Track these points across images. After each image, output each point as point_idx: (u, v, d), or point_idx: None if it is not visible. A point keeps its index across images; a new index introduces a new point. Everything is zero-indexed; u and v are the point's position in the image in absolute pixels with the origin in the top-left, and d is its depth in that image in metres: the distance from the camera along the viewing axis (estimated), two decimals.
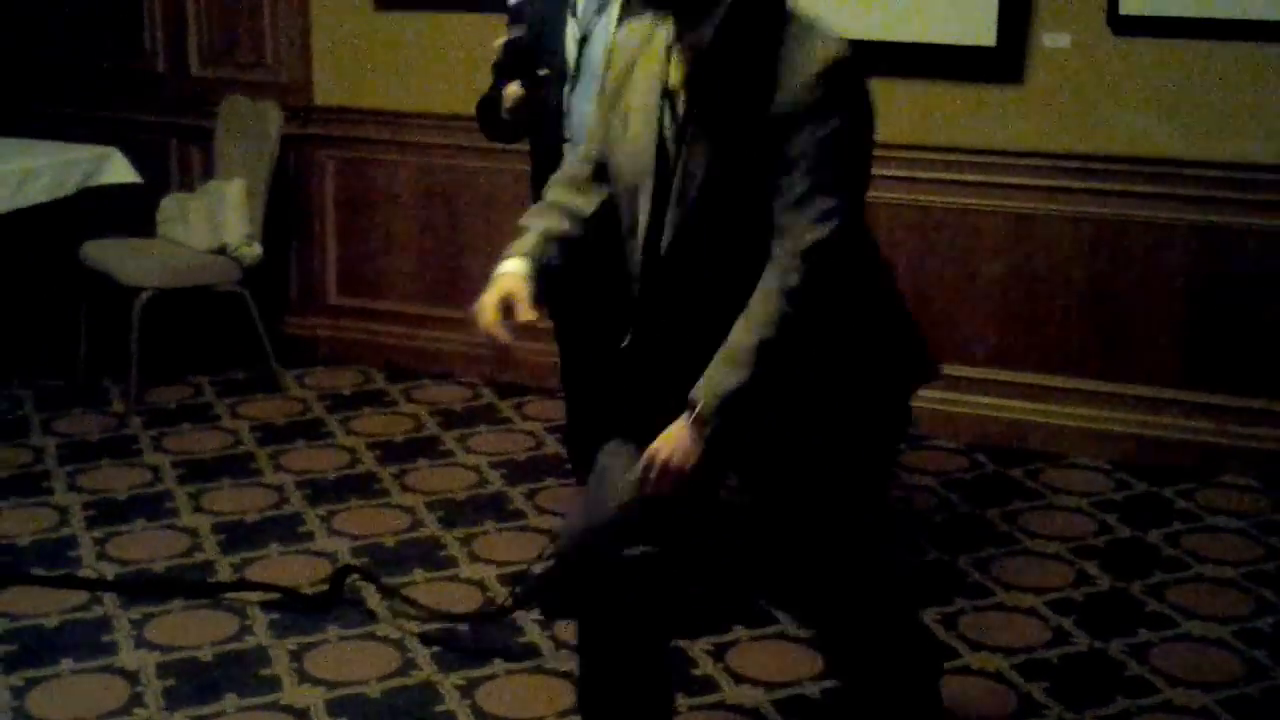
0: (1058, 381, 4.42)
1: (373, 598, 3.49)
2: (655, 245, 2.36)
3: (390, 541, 3.82)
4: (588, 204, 2.51)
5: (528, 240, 2.51)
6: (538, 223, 2.53)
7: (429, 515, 3.99)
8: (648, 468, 2.30)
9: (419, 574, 3.63)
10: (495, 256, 4.78)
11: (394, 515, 3.99)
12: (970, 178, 4.37)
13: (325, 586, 3.50)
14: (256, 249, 4.88)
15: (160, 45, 5.28)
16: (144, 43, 5.29)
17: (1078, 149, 4.27)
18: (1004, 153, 4.32)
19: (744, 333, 2.26)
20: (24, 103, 5.40)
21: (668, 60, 2.34)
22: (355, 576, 3.56)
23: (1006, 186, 4.34)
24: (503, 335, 2.40)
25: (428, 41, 4.92)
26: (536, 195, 3.26)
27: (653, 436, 2.32)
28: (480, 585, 3.58)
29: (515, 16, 3.27)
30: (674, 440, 2.28)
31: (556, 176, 2.61)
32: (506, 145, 3.72)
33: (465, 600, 3.50)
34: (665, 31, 2.35)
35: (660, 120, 2.34)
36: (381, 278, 5.21)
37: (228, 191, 4.84)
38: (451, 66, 4.88)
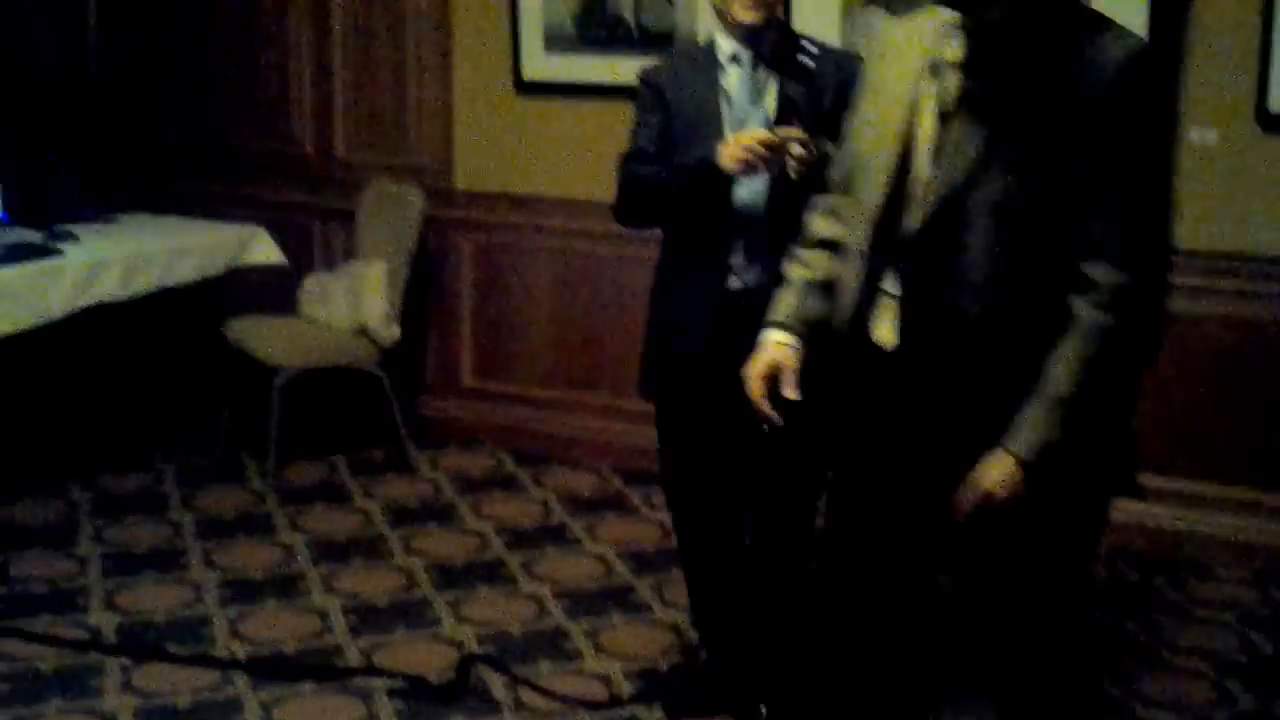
0: (1204, 488, 4.28)
1: (499, 689, 3.49)
2: (892, 228, 2.26)
3: (516, 630, 3.82)
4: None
5: (788, 300, 2.45)
6: (797, 272, 2.48)
7: (555, 605, 3.98)
8: (970, 498, 2.20)
9: (544, 665, 3.62)
10: (629, 343, 4.93)
11: (521, 604, 3.99)
12: None
13: (452, 675, 3.50)
14: (395, 330, 4.95)
15: (307, 128, 5.43)
16: (292, 126, 5.46)
17: (1227, 248, 4.16)
18: None
19: (1067, 379, 2.14)
20: (176, 182, 5.59)
21: (944, 36, 2.23)
22: (482, 665, 3.56)
23: None
24: (771, 413, 2.39)
25: (568, 128, 4.98)
26: (665, 287, 3.26)
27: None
28: (605, 679, 3.55)
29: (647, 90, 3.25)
30: (1002, 475, 2.18)
31: (814, 206, 2.56)
32: (640, 232, 3.69)
33: (590, 694, 3.47)
34: (942, 13, 2.24)
35: (917, 95, 2.25)
36: (515, 361, 5.26)
37: (369, 273, 4.92)
38: (590, 153, 4.92)
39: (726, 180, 2.98)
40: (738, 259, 3.06)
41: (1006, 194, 2.15)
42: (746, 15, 3.01)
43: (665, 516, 4.59)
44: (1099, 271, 2.14)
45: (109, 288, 4.48)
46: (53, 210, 4.86)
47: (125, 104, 5.50)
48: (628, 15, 4.78)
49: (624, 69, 4.76)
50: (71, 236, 4.62)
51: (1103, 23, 2.19)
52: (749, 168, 2.91)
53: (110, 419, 5.10)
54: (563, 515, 4.65)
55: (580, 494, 4.84)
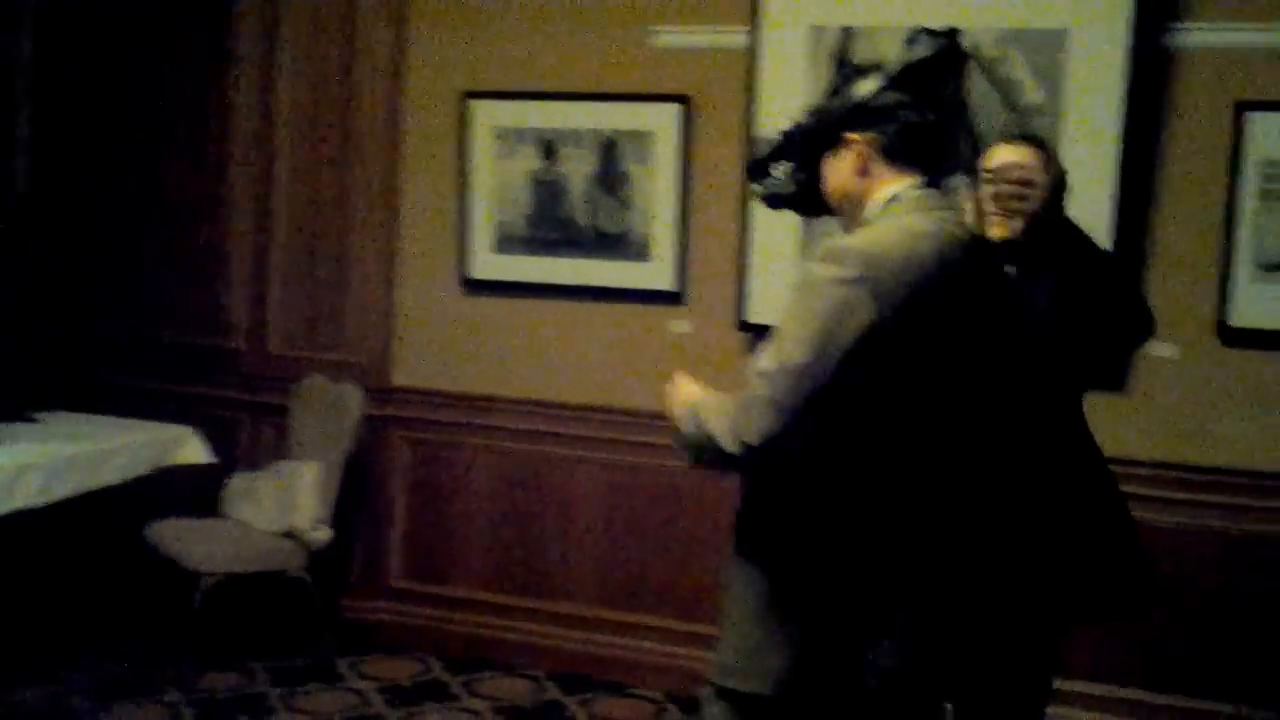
0: (1167, 700, 4.22)
1: None
2: None
3: None
4: None
5: None
6: None
7: None
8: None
9: None
10: (572, 547, 4.78)
11: None
12: None
13: None
14: (325, 533, 4.74)
15: (242, 322, 5.25)
16: (225, 320, 5.28)
17: (1186, 460, 4.17)
18: (1110, 460, 4.17)
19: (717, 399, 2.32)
20: (101, 376, 5.37)
21: None
22: None
23: None
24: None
25: (514, 327, 4.90)
26: None
27: None
28: None
29: None
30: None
31: None
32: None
33: None
34: None
35: None
36: (448, 562, 5.06)
37: (302, 473, 4.73)
38: (536, 353, 4.85)
39: None
40: None
41: None
42: (999, 231, 2.95)
43: None
44: None
45: (27, 495, 4.20)
46: None
47: (52, 296, 5.27)
48: (581, 218, 4.75)
49: (576, 270, 4.74)
50: None
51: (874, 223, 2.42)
52: None
53: (19, 625, 4.76)
54: None
55: (516, 703, 4.61)
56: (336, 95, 5.02)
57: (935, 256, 2.28)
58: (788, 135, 2.52)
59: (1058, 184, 3.08)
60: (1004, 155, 3.07)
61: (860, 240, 2.29)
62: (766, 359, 2.24)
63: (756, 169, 2.59)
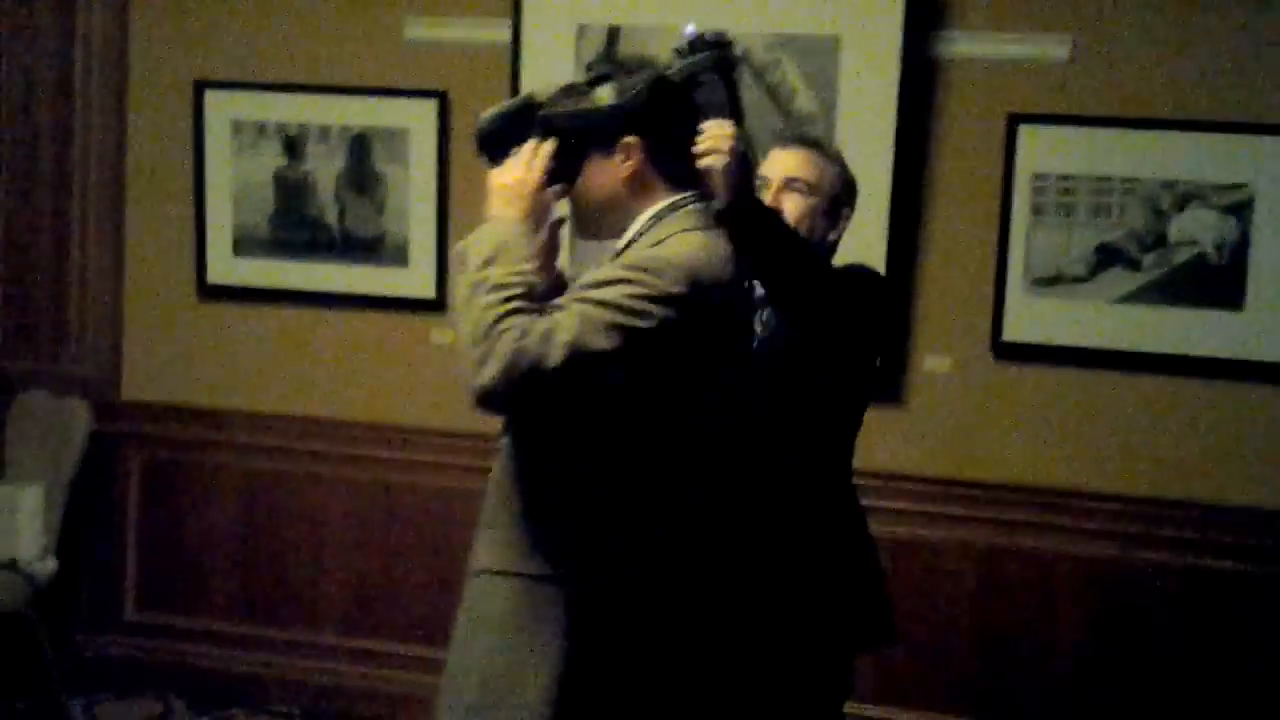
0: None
1: None
2: None
3: None
4: None
5: None
6: None
7: None
8: None
9: None
10: (323, 572, 4.47)
11: None
12: None
13: None
14: (50, 564, 4.32)
15: None
16: None
17: (959, 474, 4.10)
18: (884, 475, 4.10)
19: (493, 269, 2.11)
20: None
21: None
22: None
23: (885, 510, 4.09)
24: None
25: (258, 336, 4.55)
26: None
27: None
28: None
29: None
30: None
31: None
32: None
33: None
34: None
35: None
36: (189, 591, 4.68)
37: (21, 499, 4.30)
38: (283, 364, 4.52)
39: None
40: None
41: None
42: None
43: None
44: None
45: None
46: None
47: None
48: (330, 220, 4.41)
49: (326, 275, 4.43)
50: None
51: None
52: None
53: None
54: None
55: None
56: (52, 83, 4.56)
57: (731, 277, 2.23)
58: (538, 117, 2.26)
59: (834, 192, 2.79)
60: (773, 160, 2.80)
61: (678, 255, 2.15)
62: (568, 327, 2.04)
63: (492, 142, 2.29)
